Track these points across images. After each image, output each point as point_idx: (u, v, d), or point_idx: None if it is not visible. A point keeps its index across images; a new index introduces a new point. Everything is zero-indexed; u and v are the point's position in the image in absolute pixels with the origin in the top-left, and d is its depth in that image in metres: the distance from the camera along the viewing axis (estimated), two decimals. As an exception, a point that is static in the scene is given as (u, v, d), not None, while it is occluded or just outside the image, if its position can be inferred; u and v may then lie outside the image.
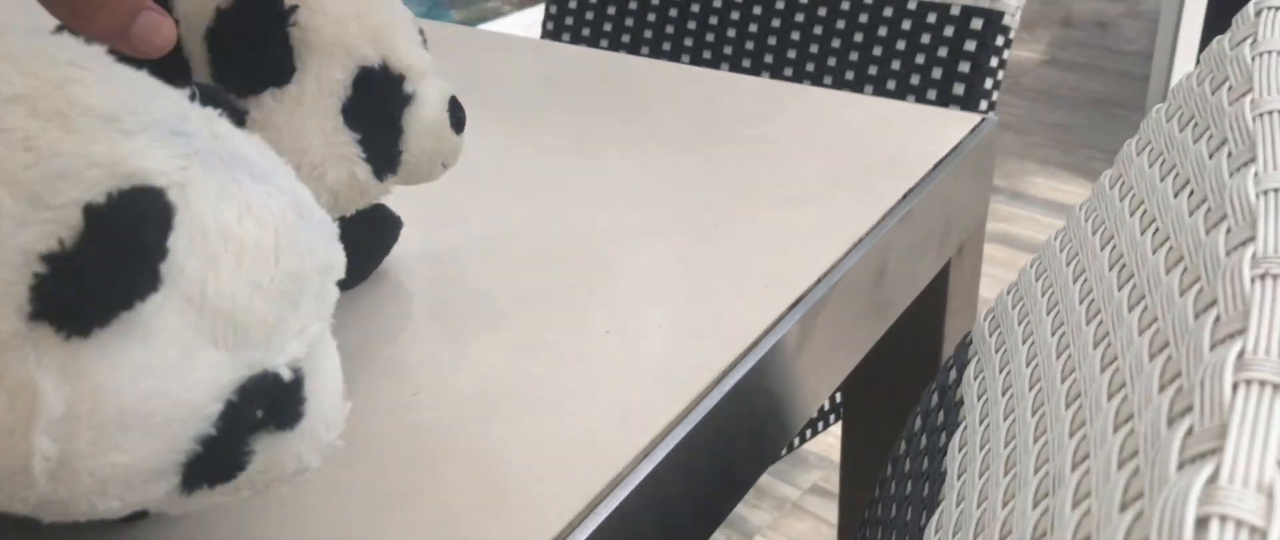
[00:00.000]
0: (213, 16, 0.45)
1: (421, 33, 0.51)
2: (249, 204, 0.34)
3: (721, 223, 0.64)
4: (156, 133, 0.33)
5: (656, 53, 1.18)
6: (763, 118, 0.77)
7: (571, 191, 0.68)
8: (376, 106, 0.48)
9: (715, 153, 0.73)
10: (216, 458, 0.34)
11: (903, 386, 0.80)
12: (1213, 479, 0.23)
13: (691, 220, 0.65)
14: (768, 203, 0.66)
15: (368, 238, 0.56)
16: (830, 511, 1.71)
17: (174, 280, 0.32)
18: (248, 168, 0.35)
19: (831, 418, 1.09)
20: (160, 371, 0.32)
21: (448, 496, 0.45)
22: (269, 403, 0.35)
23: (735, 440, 0.54)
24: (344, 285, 0.55)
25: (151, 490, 0.34)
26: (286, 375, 0.35)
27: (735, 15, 1.13)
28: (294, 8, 0.45)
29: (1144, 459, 0.27)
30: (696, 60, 1.15)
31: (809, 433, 1.09)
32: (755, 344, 0.54)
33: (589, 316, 0.56)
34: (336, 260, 0.38)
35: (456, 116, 0.50)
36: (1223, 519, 0.22)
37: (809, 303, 0.57)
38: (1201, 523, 0.22)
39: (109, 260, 0.30)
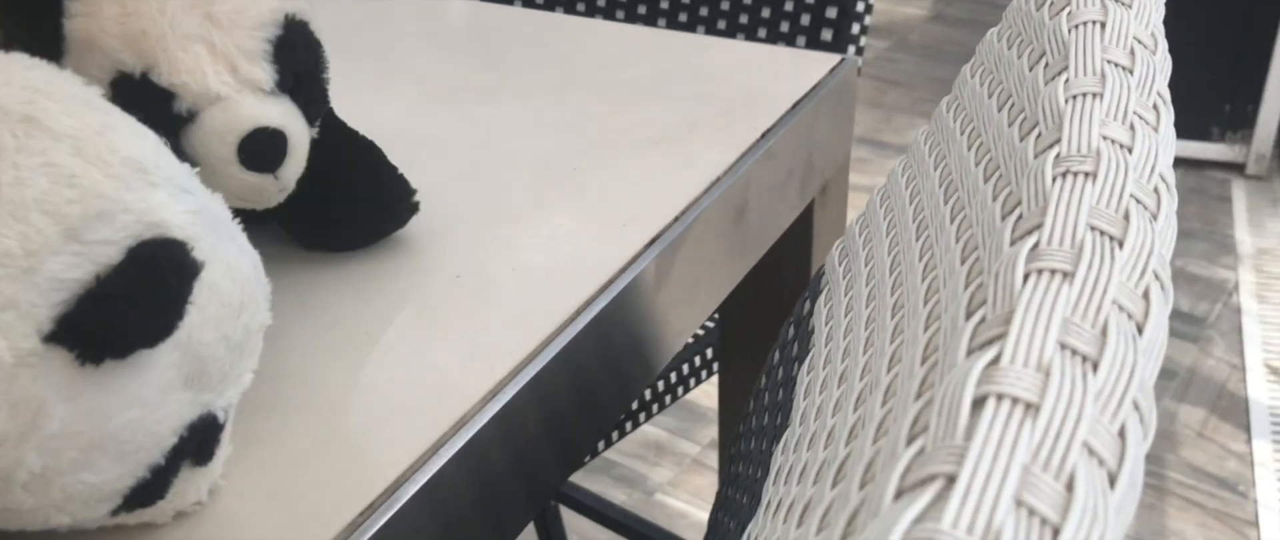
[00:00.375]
0: None
1: (284, 51, 0.46)
2: (229, 263, 0.37)
3: (580, 167, 0.63)
4: (173, 188, 0.36)
5: (527, 1, 1.17)
6: (624, 63, 0.77)
7: (428, 138, 0.66)
8: (140, 115, 0.42)
9: (575, 98, 0.72)
10: (152, 485, 0.37)
11: (772, 328, 0.80)
12: (995, 362, 0.23)
13: (550, 165, 0.64)
14: (627, 146, 0.65)
15: (371, 204, 0.54)
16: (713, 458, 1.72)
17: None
18: (225, 228, 0.38)
19: (716, 365, 1.10)
20: (145, 403, 0.35)
21: (291, 444, 0.44)
22: (201, 440, 0.38)
23: (595, 378, 0.53)
24: (349, 247, 0.55)
25: (99, 509, 0.36)
26: (221, 417, 0.39)
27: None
28: None
29: (941, 353, 0.27)
30: (569, 9, 1.14)
31: (693, 381, 1.10)
32: (610, 282, 0.54)
33: (441, 262, 0.55)
34: (268, 319, 0.42)
35: (252, 156, 0.44)
36: (999, 398, 0.22)
37: (665, 241, 0.57)
38: (979, 402, 0.22)
39: (145, 301, 0.33)
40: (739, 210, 0.64)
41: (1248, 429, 1.68)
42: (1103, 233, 0.27)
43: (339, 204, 0.49)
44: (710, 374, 1.10)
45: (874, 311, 0.41)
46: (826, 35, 1.00)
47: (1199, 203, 2.24)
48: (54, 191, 0.33)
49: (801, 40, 1.01)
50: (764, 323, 0.81)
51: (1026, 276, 0.26)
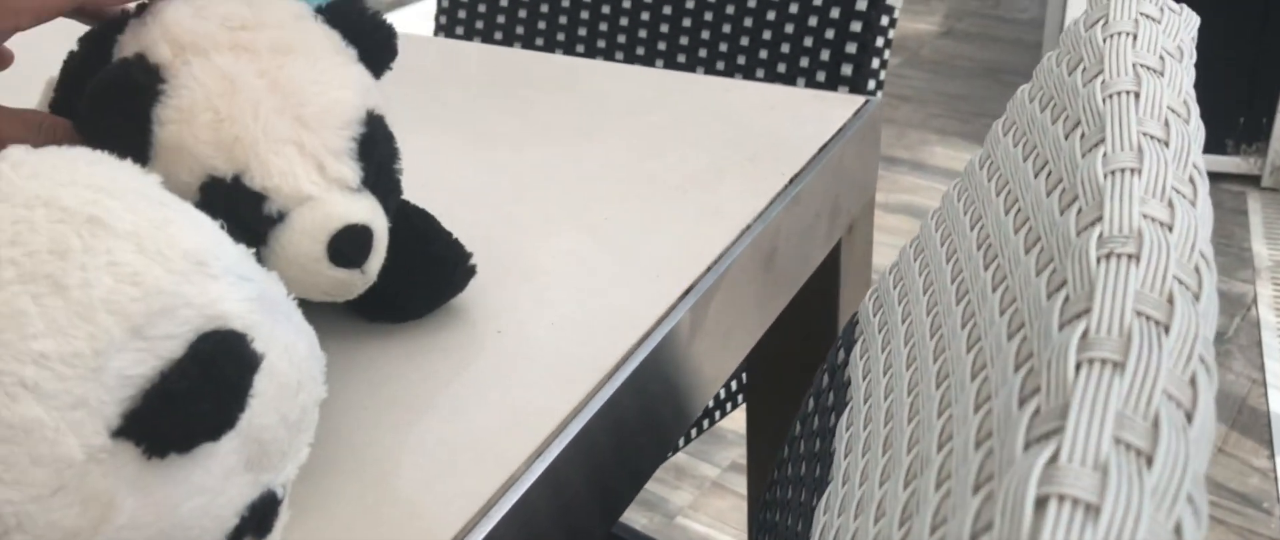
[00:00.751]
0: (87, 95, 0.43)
1: (367, 147, 0.46)
2: (286, 345, 0.38)
3: (611, 215, 0.64)
4: (231, 277, 0.36)
5: (550, 45, 1.18)
6: (650, 107, 0.78)
7: (462, 189, 0.68)
8: (228, 220, 0.43)
9: (603, 144, 0.73)
10: None
11: (801, 365, 0.81)
12: (1053, 459, 0.24)
13: (582, 214, 0.65)
14: (656, 192, 0.67)
15: (429, 274, 0.55)
16: (732, 502, 1.72)
17: None
18: (282, 309, 0.39)
19: (739, 397, 1.11)
20: (208, 491, 0.36)
21: (339, 508, 0.45)
22: (260, 517, 0.38)
23: (633, 431, 0.54)
24: (408, 318, 0.55)
25: None
26: (280, 494, 0.39)
27: (626, 4, 1.14)
28: (159, 93, 0.43)
29: (997, 440, 0.28)
30: (590, 51, 1.15)
31: (718, 414, 1.10)
32: (646, 336, 0.54)
33: (482, 317, 0.56)
34: (323, 393, 0.42)
35: (342, 252, 0.45)
36: (1061, 498, 0.23)
37: (698, 292, 0.58)
38: (1041, 503, 0.23)
39: (208, 395, 0.34)
40: (769, 256, 0.65)
41: (1270, 444, 1.68)
42: (1149, 318, 0.28)
43: (399, 279, 0.50)
44: (735, 406, 1.11)
45: (917, 375, 0.41)
46: (846, 70, 1.01)
47: (1215, 216, 2.24)
48: (119, 290, 0.34)
49: (821, 76, 1.02)
50: (792, 355, 0.82)
51: (1078, 367, 0.27)
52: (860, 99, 0.76)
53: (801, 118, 0.74)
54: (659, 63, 1.11)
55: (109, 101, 0.42)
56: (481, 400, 0.51)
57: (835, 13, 1.02)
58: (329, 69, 0.45)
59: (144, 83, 0.43)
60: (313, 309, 0.57)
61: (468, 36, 1.22)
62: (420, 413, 0.50)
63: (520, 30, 1.19)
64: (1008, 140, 0.47)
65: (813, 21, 1.03)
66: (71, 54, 0.49)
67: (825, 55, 1.02)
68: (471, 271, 0.56)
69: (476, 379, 0.52)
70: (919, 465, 0.33)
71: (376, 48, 0.47)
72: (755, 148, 0.71)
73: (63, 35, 0.49)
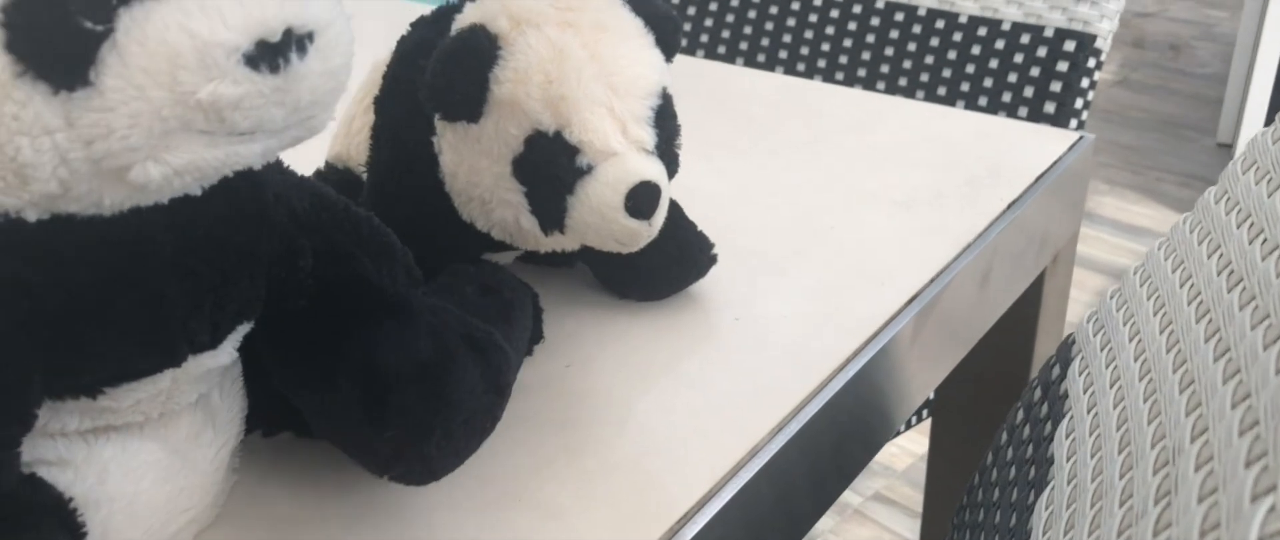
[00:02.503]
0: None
1: (660, 119, 0.52)
2: None
3: (836, 223, 0.69)
4: None
5: (750, 62, 1.23)
6: (867, 127, 0.82)
7: (695, 189, 0.73)
8: (544, 169, 0.50)
9: (825, 158, 0.78)
10: (37, 30, 0.31)
11: (989, 385, 0.84)
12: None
13: (808, 220, 0.70)
14: (879, 206, 0.71)
15: (676, 257, 0.60)
16: (892, 519, 1.74)
17: None
18: None
19: (914, 418, 1.13)
20: None
21: (601, 457, 0.50)
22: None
23: (848, 427, 0.59)
24: (655, 297, 0.59)
25: None
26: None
27: (830, 30, 1.18)
28: (497, 56, 0.49)
29: (1265, 428, 0.31)
30: (789, 70, 1.20)
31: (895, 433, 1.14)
32: (875, 336, 0.59)
33: (720, 304, 0.61)
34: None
35: (636, 205, 0.50)
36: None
37: (923, 301, 0.62)
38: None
39: None
40: (984, 276, 0.68)
41: None
42: None
43: (649, 257, 0.55)
44: (907, 427, 1.14)
45: (1151, 383, 0.45)
46: (1049, 108, 1.04)
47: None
48: None
49: (1023, 111, 1.05)
50: (982, 378, 0.85)
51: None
52: (1074, 135, 0.79)
53: (1018, 148, 0.77)
54: (858, 86, 1.15)
55: (455, 62, 0.49)
56: (723, 376, 0.56)
57: (1042, 51, 1.04)
58: (635, 47, 0.51)
59: (486, 47, 0.49)
60: (570, 282, 0.63)
61: (689, 51, 1.28)
62: (670, 380, 0.55)
63: (722, 49, 1.25)
64: (1249, 177, 0.50)
65: (1018, 58, 1.06)
66: (405, 36, 0.56)
67: (1028, 92, 1.05)
68: (713, 260, 0.62)
69: (717, 358, 0.57)
70: (1170, 454, 0.37)
71: (668, 36, 0.54)
72: (972, 172, 0.75)
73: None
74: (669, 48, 0.54)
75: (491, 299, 0.52)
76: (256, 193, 0.41)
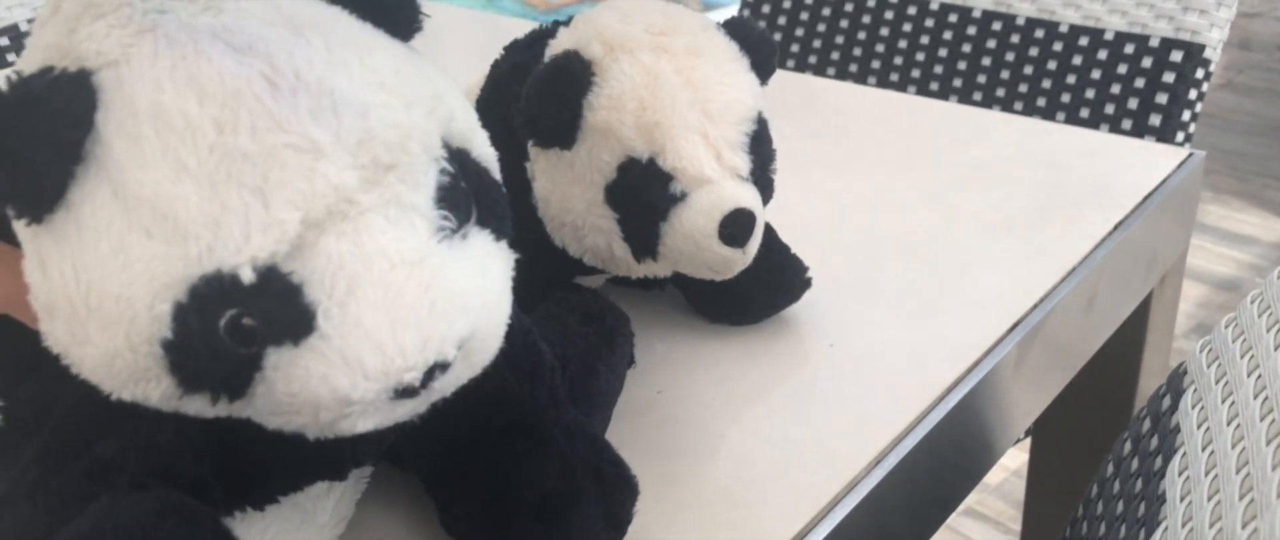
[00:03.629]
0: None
1: (755, 144, 0.51)
2: (191, 79, 0.31)
3: (935, 245, 0.67)
4: (128, 11, 0.32)
5: (842, 74, 1.21)
6: (966, 144, 0.80)
7: (789, 209, 0.72)
8: (637, 196, 0.49)
9: (922, 177, 0.76)
10: (196, 362, 0.32)
11: (1098, 409, 0.81)
12: None
13: (905, 241, 0.68)
14: (980, 228, 0.69)
15: (769, 281, 0.59)
16: (984, 535, 1.70)
17: (99, 164, 0.31)
18: (228, 38, 0.32)
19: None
20: (94, 265, 0.31)
21: (693, 486, 0.49)
22: (247, 304, 0.31)
23: (950, 458, 0.57)
24: (747, 321, 0.57)
25: (148, 389, 0.33)
26: (247, 276, 0.31)
27: (924, 39, 1.16)
28: (592, 82, 0.49)
29: None
30: (882, 82, 1.18)
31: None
32: (976, 363, 0.57)
33: (814, 328, 0.60)
34: (329, 139, 0.32)
35: (731, 233, 0.49)
36: None
37: (1026, 327, 0.60)
38: None
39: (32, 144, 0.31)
40: (1090, 299, 0.66)
41: None
42: None
43: (742, 281, 0.54)
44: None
45: (1276, 425, 0.43)
46: (1155, 120, 1.00)
47: None
48: None
49: (1127, 124, 1.02)
50: (1084, 401, 0.82)
51: None
52: (1183, 152, 0.76)
53: (1125, 165, 0.75)
54: (955, 100, 1.13)
55: (550, 88, 0.49)
56: (818, 405, 0.55)
57: (1147, 62, 1.01)
58: (730, 72, 0.51)
59: (580, 73, 0.49)
60: (661, 305, 0.62)
61: (779, 63, 1.27)
62: (763, 410, 0.54)
63: (813, 60, 1.23)
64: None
65: (1122, 69, 1.03)
66: (498, 60, 0.56)
67: (1133, 104, 1.02)
68: (807, 283, 0.60)
69: (812, 385, 0.56)
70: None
71: (763, 60, 0.53)
72: (1078, 191, 0.72)
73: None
74: (764, 71, 0.53)
75: (594, 327, 0.52)
76: None
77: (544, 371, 0.46)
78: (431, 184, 0.34)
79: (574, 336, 0.51)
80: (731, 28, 0.52)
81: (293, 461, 0.38)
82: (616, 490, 0.44)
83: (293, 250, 0.31)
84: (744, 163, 0.50)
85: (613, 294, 0.61)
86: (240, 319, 0.31)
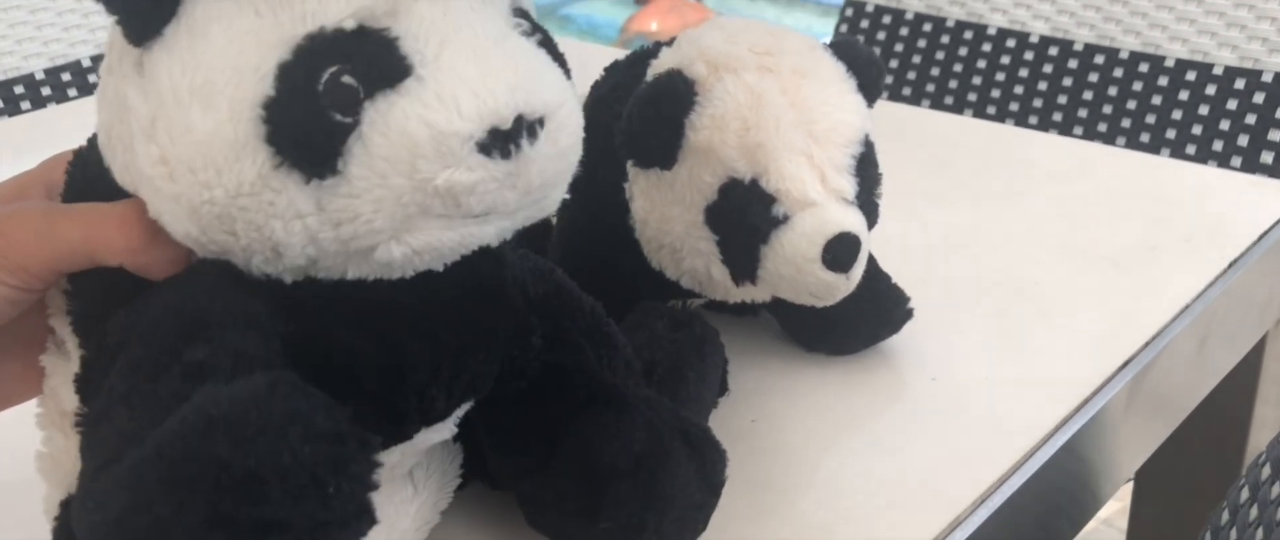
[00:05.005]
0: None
1: (861, 167, 0.50)
2: None
3: (1042, 280, 0.65)
4: None
5: (938, 104, 1.19)
6: (1073, 176, 0.78)
7: (891, 240, 0.70)
8: (738, 218, 0.48)
9: (1028, 209, 0.73)
10: (296, 123, 0.33)
11: (1207, 455, 0.78)
12: None
13: (1011, 276, 0.66)
14: (1088, 263, 0.67)
15: (870, 310, 0.57)
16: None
17: None
18: None
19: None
20: (205, 50, 0.34)
21: (789, 521, 0.48)
22: (347, 60, 0.33)
23: (1054, 501, 0.55)
24: (845, 351, 0.57)
25: (242, 170, 0.33)
26: (349, 25, 0.33)
27: (1023, 71, 1.13)
28: (695, 102, 0.48)
29: None
30: (980, 113, 1.16)
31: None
32: (1084, 403, 0.55)
33: (916, 363, 0.58)
34: None
35: (835, 257, 0.48)
36: None
37: (1136, 367, 0.57)
38: None
39: None
40: (1202, 339, 0.63)
41: None
42: None
43: (841, 310, 0.53)
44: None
45: None
46: (1267, 157, 0.97)
47: None
48: None
49: (1237, 161, 0.99)
50: (1193, 446, 0.79)
51: None
52: (1303, 189, 0.73)
53: (1239, 202, 0.72)
54: (1054, 133, 1.10)
55: (653, 107, 0.48)
56: (919, 441, 0.53)
57: (1259, 98, 0.98)
58: (837, 94, 0.49)
59: (684, 92, 0.48)
60: (756, 332, 0.61)
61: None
62: (863, 443, 0.53)
63: (906, 91, 1.21)
64: None
65: (1231, 104, 0.99)
66: (599, 80, 0.55)
67: (1243, 140, 0.98)
68: (908, 314, 0.58)
69: (912, 420, 0.54)
70: None
71: (870, 82, 0.51)
72: (1190, 228, 0.69)
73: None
74: (871, 93, 0.51)
75: (683, 333, 0.51)
76: (496, 271, 0.42)
77: (620, 344, 0.46)
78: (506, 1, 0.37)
79: (662, 341, 0.50)
80: (839, 49, 0.51)
81: (357, 396, 0.37)
82: (706, 450, 0.43)
83: (389, 11, 0.34)
84: (850, 186, 0.49)
85: (706, 318, 0.60)
86: (340, 76, 0.33)
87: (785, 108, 0.47)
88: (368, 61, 0.33)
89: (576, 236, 0.55)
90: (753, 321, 0.62)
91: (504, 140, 0.33)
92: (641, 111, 0.48)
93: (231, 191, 0.33)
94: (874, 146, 0.51)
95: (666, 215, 0.50)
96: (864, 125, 0.50)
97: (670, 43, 0.52)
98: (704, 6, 3.61)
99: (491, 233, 0.37)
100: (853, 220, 0.48)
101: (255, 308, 0.36)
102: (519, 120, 0.34)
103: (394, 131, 0.33)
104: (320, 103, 0.33)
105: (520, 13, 0.37)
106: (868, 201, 0.50)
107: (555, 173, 0.36)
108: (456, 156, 0.33)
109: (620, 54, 0.59)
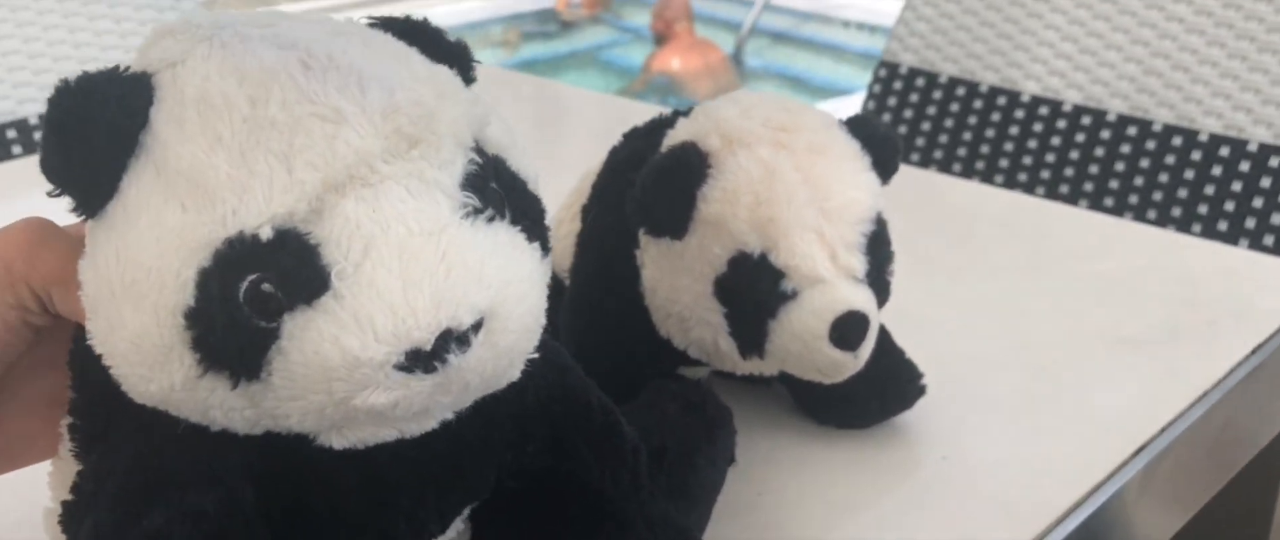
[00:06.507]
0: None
1: (873, 245, 0.50)
2: (236, 67, 0.33)
3: (1058, 359, 0.64)
4: (193, 29, 0.34)
5: (969, 172, 1.19)
6: (1097, 253, 0.77)
7: (906, 312, 0.69)
8: (747, 291, 0.48)
9: (1047, 285, 0.73)
10: (216, 333, 0.32)
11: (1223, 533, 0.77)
12: None
13: (1026, 353, 0.65)
14: (1106, 345, 0.66)
15: (882, 385, 0.57)
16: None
17: (148, 152, 0.33)
18: (274, 39, 0.34)
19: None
20: (134, 243, 0.33)
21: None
22: (267, 268, 0.32)
23: (1066, 585, 0.54)
24: (855, 425, 0.56)
25: (171, 372, 0.33)
26: (266, 234, 0.32)
27: (1055, 140, 1.13)
28: (707, 175, 0.48)
29: None
30: (1010, 182, 1.15)
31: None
32: (1097, 488, 0.54)
33: (925, 438, 0.58)
34: (353, 108, 0.33)
35: (842, 335, 0.47)
36: None
37: (1151, 452, 0.57)
38: None
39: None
40: (1223, 426, 0.62)
41: None
42: None
43: (852, 383, 0.52)
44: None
45: None
46: (1299, 238, 0.95)
47: None
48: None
49: (1269, 239, 0.97)
50: (1206, 533, 0.77)
51: None
52: (1332, 275, 0.72)
53: (1266, 285, 0.71)
54: (1084, 205, 1.09)
55: (665, 178, 0.49)
56: (927, 520, 0.52)
57: (1293, 177, 0.97)
58: (851, 171, 0.50)
59: (696, 164, 0.49)
60: (766, 402, 0.60)
61: (903, 157, 1.25)
62: (869, 520, 0.52)
63: (938, 154, 1.21)
64: None
65: (1265, 182, 0.98)
66: (617, 147, 0.55)
67: (1276, 219, 0.97)
68: (921, 391, 0.58)
69: (921, 499, 0.54)
70: None
71: (886, 159, 0.51)
72: (1213, 311, 0.69)
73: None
74: (887, 170, 0.51)
75: (695, 417, 0.51)
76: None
77: (626, 454, 0.44)
78: (458, 170, 0.34)
79: (674, 425, 0.50)
80: (855, 126, 0.51)
81: (340, 527, 0.37)
82: None
83: (311, 212, 0.32)
84: (860, 264, 0.48)
85: (717, 387, 0.59)
86: (260, 284, 0.32)
87: (798, 184, 0.48)
88: (285, 273, 0.32)
89: (589, 300, 0.56)
90: (764, 391, 0.62)
91: (427, 359, 0.32)
92: (654, 182, 0.48)
93: (165, 388, 0.33)
94: (887, 224, 0.51)
95: (676, 285, 0.50)
96: (876, 203, 0.50)
97: (687, 113, 0.53)
98: (718, 47, 3.63)
99: (434, 423, 0.36)
100: (862, 299, 0.48)
101: (224, 459, 0.35)
102: (445, 335, 0.32)
103: (309, 351, 0.32)
104: (241, 312, 0.32)
105: (475, 180, 0.34)
106: (879, 280, 0.50)
107: (496, 372, 0.34)
108: (372, 380, 0.32)
109: (639, 112, 0.59)
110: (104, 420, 0.37)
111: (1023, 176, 1.14)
